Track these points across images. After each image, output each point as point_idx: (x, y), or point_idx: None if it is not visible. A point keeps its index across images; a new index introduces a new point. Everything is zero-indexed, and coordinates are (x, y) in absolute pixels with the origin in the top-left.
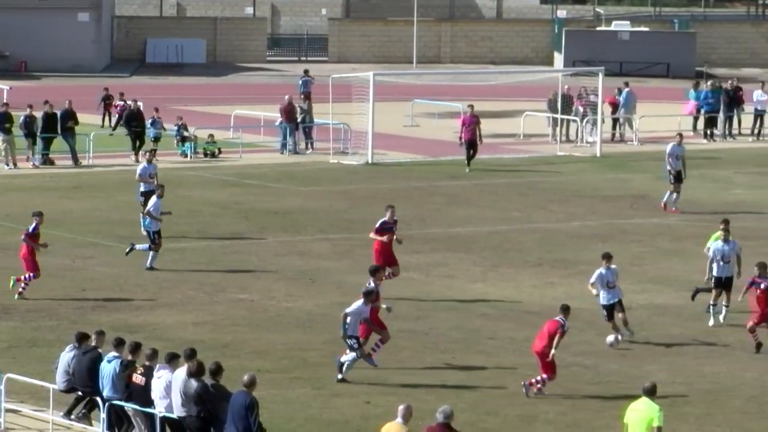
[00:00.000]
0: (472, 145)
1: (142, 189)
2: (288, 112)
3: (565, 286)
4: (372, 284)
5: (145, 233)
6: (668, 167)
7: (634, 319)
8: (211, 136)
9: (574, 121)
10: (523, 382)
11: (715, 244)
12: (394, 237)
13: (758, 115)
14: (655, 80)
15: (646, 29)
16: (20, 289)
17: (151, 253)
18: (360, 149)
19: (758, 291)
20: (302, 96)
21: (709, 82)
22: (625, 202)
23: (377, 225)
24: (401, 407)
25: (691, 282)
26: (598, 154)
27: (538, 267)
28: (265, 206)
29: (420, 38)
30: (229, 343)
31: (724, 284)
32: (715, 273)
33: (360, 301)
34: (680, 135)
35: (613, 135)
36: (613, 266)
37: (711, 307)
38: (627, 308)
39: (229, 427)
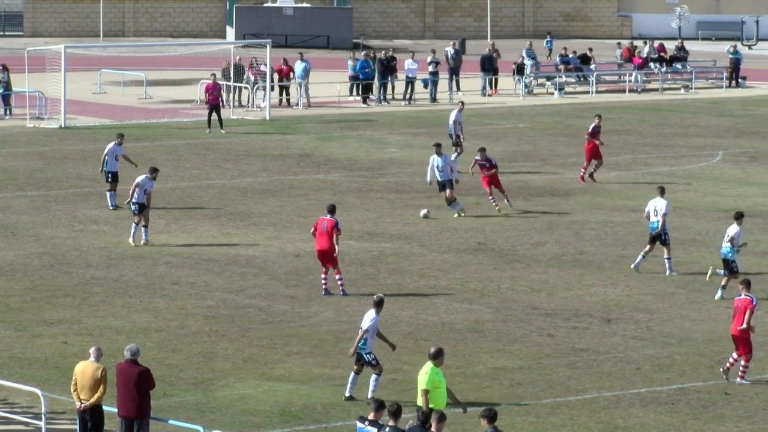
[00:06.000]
0: (216, 108)
1: None
2: None
3: (240, 236)
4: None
5: None
6: (451, 132)
7: (302, 266)
8: None
9: (246, 88)
10: (721, 368)
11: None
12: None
13: (409, 81)
14: (317, 51)
15: (308, 5)
16: None
17: None
18: (54, 115)
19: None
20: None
21: (363, 53)
22: (292, 160)
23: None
24: (92, 349)
25: (351, 231)
26: (268, 118)
27: (216, 219)
28: None
29: (106, 14)
30: None
31: None
32: None
33: (372, 313)
34: (462, 102)
35: (281, 100)
36: (444, 155)
37: None
38: (296, 255)
39: None
